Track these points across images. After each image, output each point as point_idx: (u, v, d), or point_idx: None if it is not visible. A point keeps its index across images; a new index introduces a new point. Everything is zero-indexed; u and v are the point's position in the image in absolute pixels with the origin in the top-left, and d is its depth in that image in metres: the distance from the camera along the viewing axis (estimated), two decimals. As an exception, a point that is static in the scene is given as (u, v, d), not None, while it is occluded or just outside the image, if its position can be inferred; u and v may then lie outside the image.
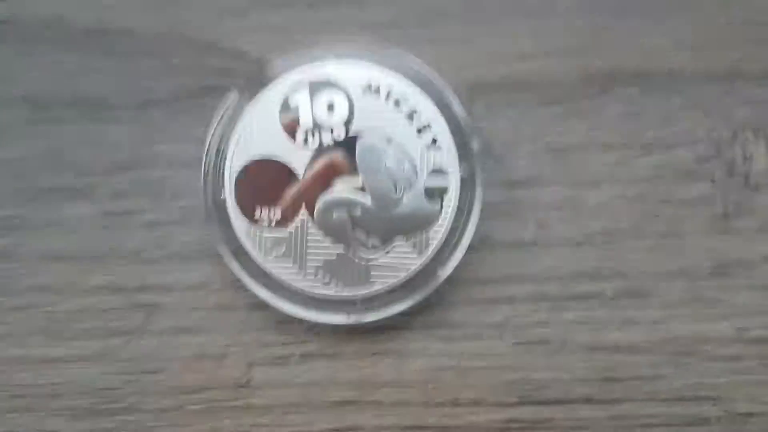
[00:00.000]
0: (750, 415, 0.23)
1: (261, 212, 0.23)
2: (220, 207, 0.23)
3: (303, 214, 0.23)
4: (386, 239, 0.23)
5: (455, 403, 0.23)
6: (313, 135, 0.23)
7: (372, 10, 0.24)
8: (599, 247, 0.24)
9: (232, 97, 0.23)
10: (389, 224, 0.23)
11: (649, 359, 0.23)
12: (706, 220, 0.24)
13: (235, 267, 0.23)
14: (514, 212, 0.24)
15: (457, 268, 0.23)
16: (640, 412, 0.23)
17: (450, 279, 0.23)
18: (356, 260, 0.23)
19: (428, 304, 0.23)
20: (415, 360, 0.23)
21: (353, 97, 0.23)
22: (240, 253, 0.23)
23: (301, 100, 0.23)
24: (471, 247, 0.23)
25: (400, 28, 0.24)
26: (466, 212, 0.23)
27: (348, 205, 0.23)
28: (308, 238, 0.23)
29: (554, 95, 0.24)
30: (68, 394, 0.24)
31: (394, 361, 0.23)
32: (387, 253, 0.23)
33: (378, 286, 0.23)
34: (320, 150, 0.23)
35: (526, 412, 0.23)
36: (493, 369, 0.23)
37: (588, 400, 0.23)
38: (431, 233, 0.23)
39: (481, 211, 0.23)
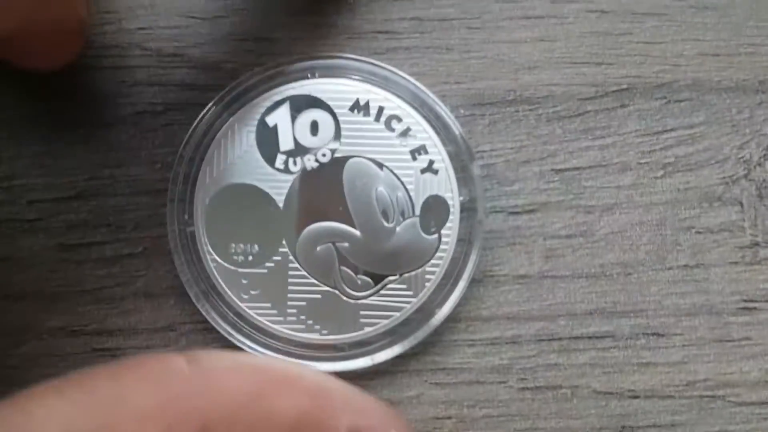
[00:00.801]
0: (779, 465, 0.21)
1: (235, 246, 0.21)
2: (189, 240, 0.21)
3: (283, 247, 0.21)
4: (377, 276, 0.21)
5: (455, 458, 0.21)
6: (294, 159, 0.21)
7: (362, 16, 0.22)
8: (614, 281, 0.21)
9: (203, 115, 0.21)
10: (380, 259, 0.21)
11: (668, 405, 0.21)
12: (733, 250, 0.22)
13: (205, 308, 0.21)
14: (520, 242, 0.22)
15: (456, 305, 0.21)
16: (659, 463, 0.21)
17: (449, 317, 0.21)
18: (344, 300, 0.21)
19: (424, 345, 0.21)
20: (411, 408, 0.21)
21: (339, 115, 0.21)
22: (212, 292, 0.21)
23: (281, 120, 0.21)
24: (472, 281, 0.21)
25: (393, 36, 0.22)
26: (466, 244, 0.21)
27: (334, 236, 0.21)
28: (289, 275, 0.21)
29: (564, 110, 0.22)
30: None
31: (386, 412, 0.21)
32: (378, 291, 0.21)
33: (368, 329, 0.21)
34: (303, 175, 0.21)
35: (534, 467, 0.21)
36: (496, 418, 0.21)
37: (602, 451, 0.21)
38: (428, 269, 0.21)
39: (484, 241, 0.21)
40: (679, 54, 0.22)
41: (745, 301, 0.21)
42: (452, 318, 0.21)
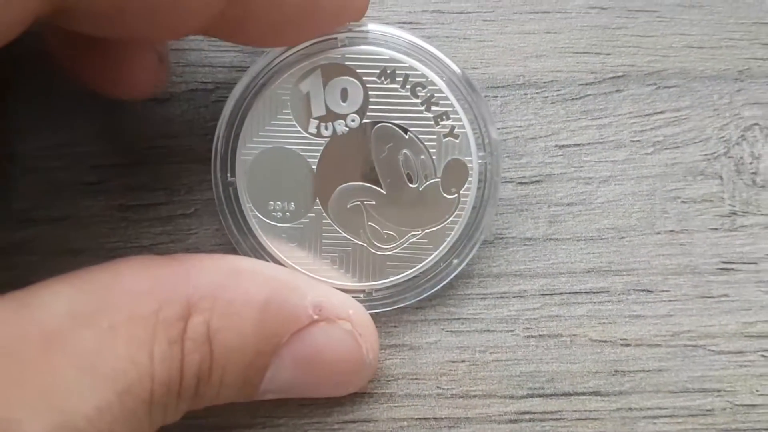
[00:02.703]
0: (753, 406, 0.23)
1: (274, 204, 0.23)
2: (234, 198, 0.23)
3: (317, 205, 0.23)
4: (401, 231, 0.23)
5: (467, 396, 0.23)
6: (326, 124, 0.23)
7: (388, 8, 0.24)
8: (609, 243, 0.24)
9: (241, 85, 0.23)
10: (405, 216, 0.23)
11: (656, 353, 0.24)
12: (714, 218, 0.24)
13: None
14: (527, 208, 0.24)
15: (470, 263, 0.23)
16: (647, 404, 0.23)
17: (463, 273, 0.24)
18: (371, 252, 0.23)
19: (442, 298, 0.24)
20: (429, 353, 0.24)
21: (367, 83, 0.23)
22: (254, 245, 0.23)
23: (313, 87, 0.23)
24: (485, 243, 0.24)
25: (416, 26, 0.24)
26: (482, 203, 0.23)
27: (363, 196, 0.23)
28: (323, 230, 0.23)
29: (567, 94, 0.24)
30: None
31: (407, 354, 0.24)
32: (402, 245, 0.23)
33: (393, 277, 0.23)
34: (334, 139, 0.23)
35: (536, 405, 0.23)
36: (504, 362, 0.24)
37: (596, 393, 0.23)
38: (447, 225, 0.23)
39: (496, 207, 0.23)
40: (668, 46, 0.24)
41: (724, 262, 0.24)
42: (467, 274, 0.24)
